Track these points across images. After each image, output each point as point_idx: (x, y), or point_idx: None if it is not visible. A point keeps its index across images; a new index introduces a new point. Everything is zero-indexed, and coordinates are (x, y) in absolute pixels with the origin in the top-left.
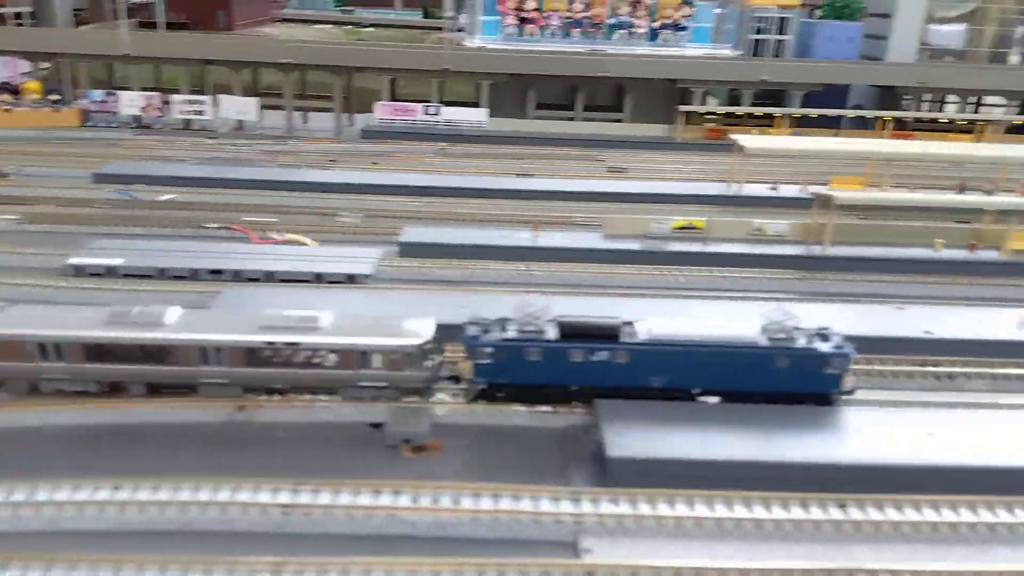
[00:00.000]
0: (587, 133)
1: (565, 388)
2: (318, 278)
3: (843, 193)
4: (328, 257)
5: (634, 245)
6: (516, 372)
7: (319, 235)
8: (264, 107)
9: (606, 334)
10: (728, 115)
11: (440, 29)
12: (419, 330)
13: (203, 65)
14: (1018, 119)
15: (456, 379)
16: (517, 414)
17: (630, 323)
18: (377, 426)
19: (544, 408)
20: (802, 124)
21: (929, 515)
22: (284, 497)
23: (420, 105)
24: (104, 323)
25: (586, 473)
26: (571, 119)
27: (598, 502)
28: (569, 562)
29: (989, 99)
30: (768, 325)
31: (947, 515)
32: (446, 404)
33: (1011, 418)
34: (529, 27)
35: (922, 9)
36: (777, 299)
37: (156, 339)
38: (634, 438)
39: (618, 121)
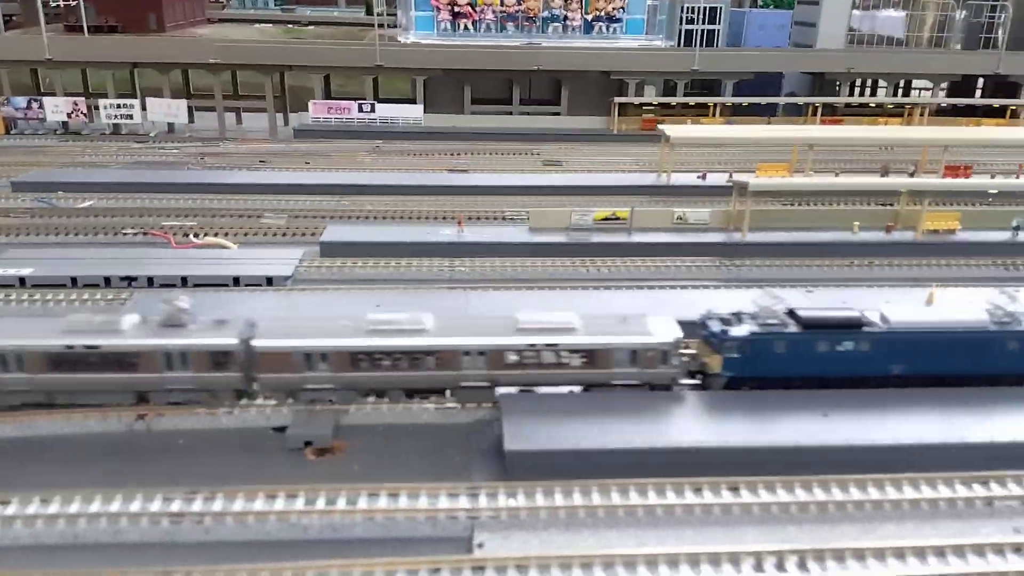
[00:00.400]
0: (525, 127)
1: (807, 379)
2: (236, 282)
3: (758, 180)
4: (247, 260)
5: (559, 238)
6: (763, 365)
7: (241, 238)
8: (196, 109)
9: (848, 324)
10: (664, 106)
11: (382, 26)
12: (665, 328)
13: (131, 68)
14: (945, 101)
15: (698, 373)
16: (424, 411)
17: (869, 313)
18: (280, 430)
19: (450, 404)
20: (737, 112)
21: (819, 495)
22: (176, 506)
23: (355, 103)
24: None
25: (488, 468)
26: (509, 113)
27: (495, 496)
28: (459, 558)
29: (918, 83)
30: (992, 310)
31: (836, 494)
32: (351, 404)
33: (898, 397)
34: (463, 22)
35: None
36: (696, 287)
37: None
38: (533, 431)
39: (556, 114)
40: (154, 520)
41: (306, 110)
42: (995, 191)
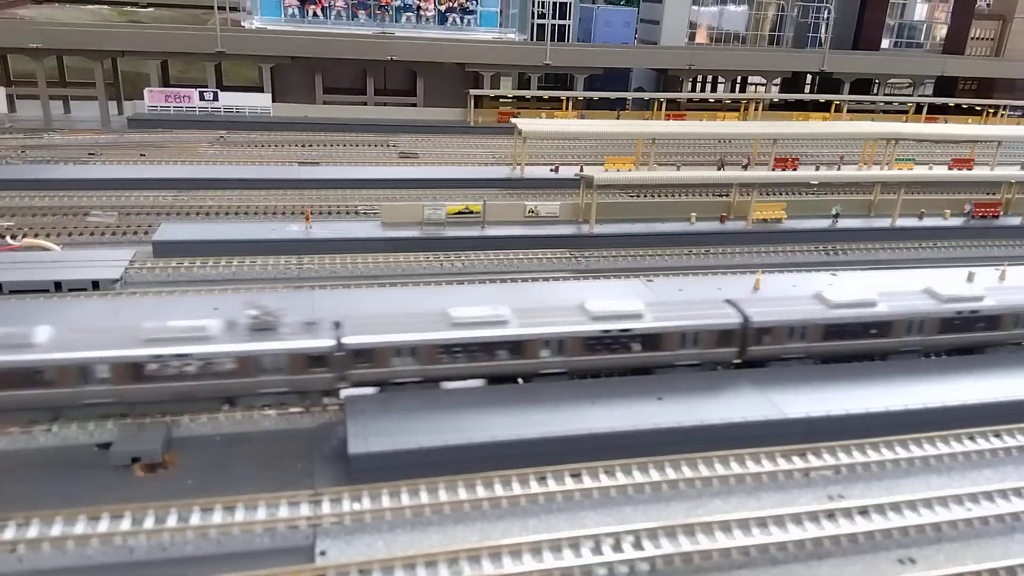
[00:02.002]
0: (381, 118)
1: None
2: (57, 287)
3: (603, 174)
4: (70, 262)
5: (412, 232)
6: None
7: (65, 239)
8: (18, 97)
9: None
10: (519, 99)
11: (224, 8)
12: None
13: None
14: (777, 96)
15: None
16: (265, 418)
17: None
18: (105, 446)
19: (295, 409)
20: (590, 106)
21: (654, 475)
22: None
23: (196, 91)
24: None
25: (333, 473)
26: (364, 104)
27: (338, 502)
28: (299, 568)
29: (754, 79)
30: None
31: (669, 473)
32: (184, 415)
33: (723, 378)
34: (312, 7)
35: None
36: (547, 279)
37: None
38: (378, 432)
39: (412, 105)
40: None
41: (142, 98)
42: (816, 182)
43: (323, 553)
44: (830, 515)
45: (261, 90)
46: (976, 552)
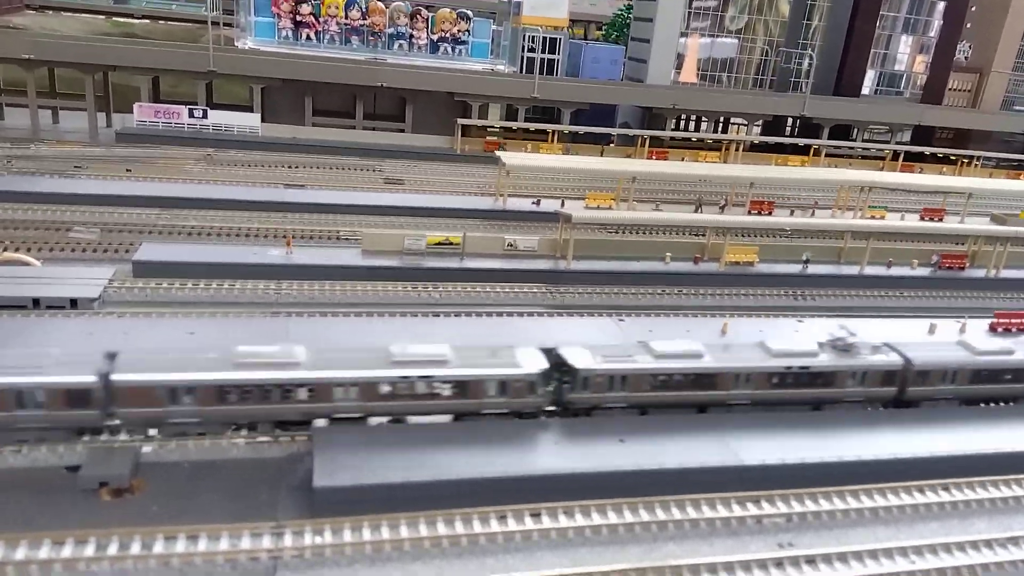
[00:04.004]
0: (369, 142)
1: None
2: (36, 303)
3: (580, 213)
4: (50, 279)
5: (392, 262)
6: None
7: (46, 254)
8: (6, 105)
9: None
10: (506, 129)
11: (217, 24)
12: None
13: None
14: (758, 138)
15: None
16: (234, 447)
17: None
18: (74, 469)
19: (263, 438)
20: (576, 140)
21: (611, 517)
22: None
23: (186, 107)
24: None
25: (297, 505)
26: (352, 127)
27: (301, 535)
28: None
29: (736, 120)
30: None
31: (626, 516)
32: (153, 440)
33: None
34: (305, 31)
35: (676, 35)
36: (529, 313)
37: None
38: (345, 466)
39: (400, 131)
40: None
41: (132, 112)
42: (789, 229)
43: None
44: (779, 563)
45: (251, 110)
46: None
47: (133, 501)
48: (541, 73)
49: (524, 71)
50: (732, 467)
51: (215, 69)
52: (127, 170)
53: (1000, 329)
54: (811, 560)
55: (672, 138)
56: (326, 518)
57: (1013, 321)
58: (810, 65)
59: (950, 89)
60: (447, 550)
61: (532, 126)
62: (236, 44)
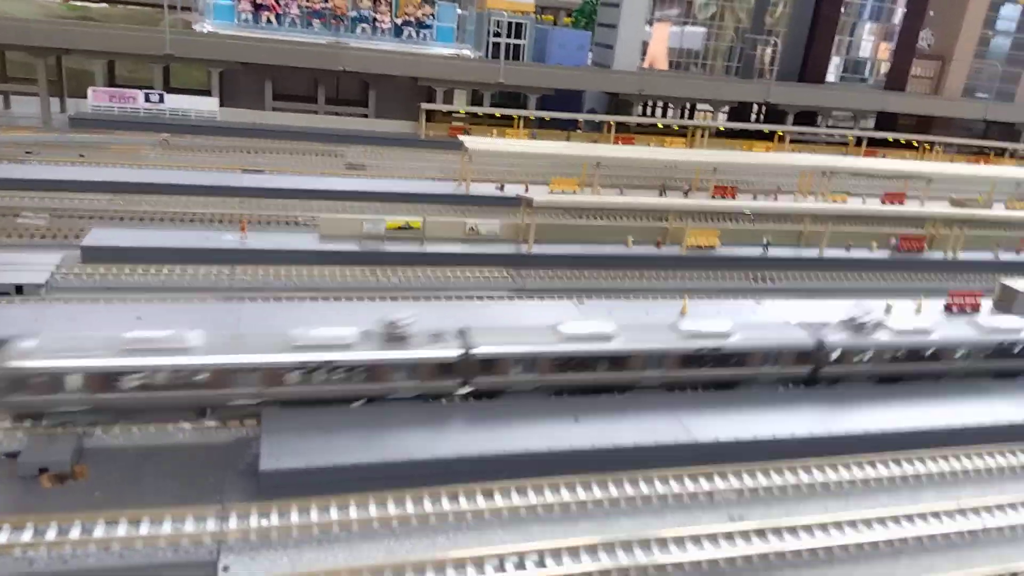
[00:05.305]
0: (331, 127)
1: None
2: None
3: (541, 197)
4: None
5: (350, 246)
6: None
7: None
8: None
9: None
10: (472, 115)
11: (174, 8)
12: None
13: None
14: (723, 125)
15: None
16: (180, 432)
17: None
18: (13, 456)
19: (210, 423)
20: (543, 126)
21: (564, 495)
22: None
23: (141, 92)
24: None
25: (244, 489)
26: (314, 112)
27: (245, 518)
28: None
29: (702, 106)
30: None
31: (579, 493)
32: (96, 426)
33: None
34: (266, 14)
35: (643, 22)
36: (490, 296)
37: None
38: (292, 449)
39: (364, 116)
40: None
41: (86, 96)
42: (750, 212)
43: (226, 569)
44: (729, 536)
45: (209, 94)
46: (864, 573)
47: (75, 487)
48: (507, 58)
49: (490, 56)
50: (686, 444)
51: (172, 53)
52: (80, 155)
53: (955, 308)
54: (761, 533)
55: (639, 124)
56: (272, 501)
57: (967, 300)
58: (774, 52)
59: (913, 76)
60: (396, 530)
61: (498, 111)
62: (194, 27)
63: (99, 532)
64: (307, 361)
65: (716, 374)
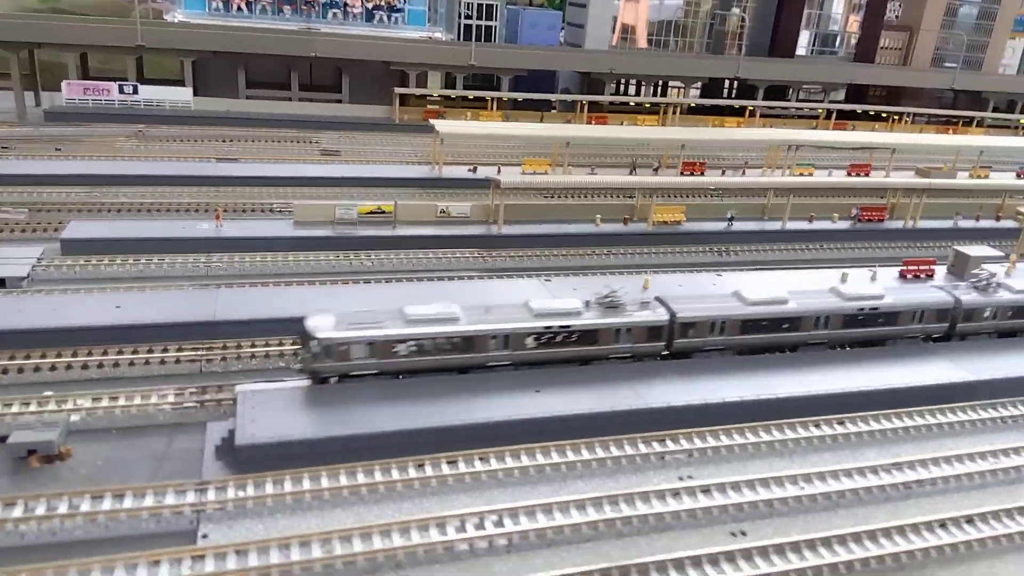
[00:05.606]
0: (305, 114)
1: None
2: None
3: (507, 177)
4: None
5: (324, 232)
6: None
7: None
8: None
9: None
10: (446, 98)
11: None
12: None
13: None
14: (694, 101)
15: None
16: (160, 412)
17: None
18: (3, 439)
19: (190, 404)
20: (517, 107)
21: (524, 460)
22: None
23: (116, 84)
24: None
25: (223, 464)
26: (288, 99)
27: (224, 490)
28: (178, 549)
29: (674, 84)
30: None
31: (538, 459)
32: (80, 409)
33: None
34: (237, 2)
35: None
36: (460, 277)
37: None
38: (266, 424)
39: (337, 102)
40: None
41: (61, 90)
42: (714, 187)
43: (205, 536)
44: (676, 494)
45: (183, 84)
46: (802, 525)
47: (62, 467)
48: (479, 40)
49: (461, 39)
50: (641, 409)
51: (144, 44)
52: (56, 149)
53: (909, 276)
54: (706, 490)
55: (611, 103)
56: (249, 474)
57: (921, 268)
58: (741, 26)
59: (882, 48)
60: (365, 497)
61: (471, 94)
62: (165, 17)
63: (85, 506)
64: (549, 327)
65: (868, 332)
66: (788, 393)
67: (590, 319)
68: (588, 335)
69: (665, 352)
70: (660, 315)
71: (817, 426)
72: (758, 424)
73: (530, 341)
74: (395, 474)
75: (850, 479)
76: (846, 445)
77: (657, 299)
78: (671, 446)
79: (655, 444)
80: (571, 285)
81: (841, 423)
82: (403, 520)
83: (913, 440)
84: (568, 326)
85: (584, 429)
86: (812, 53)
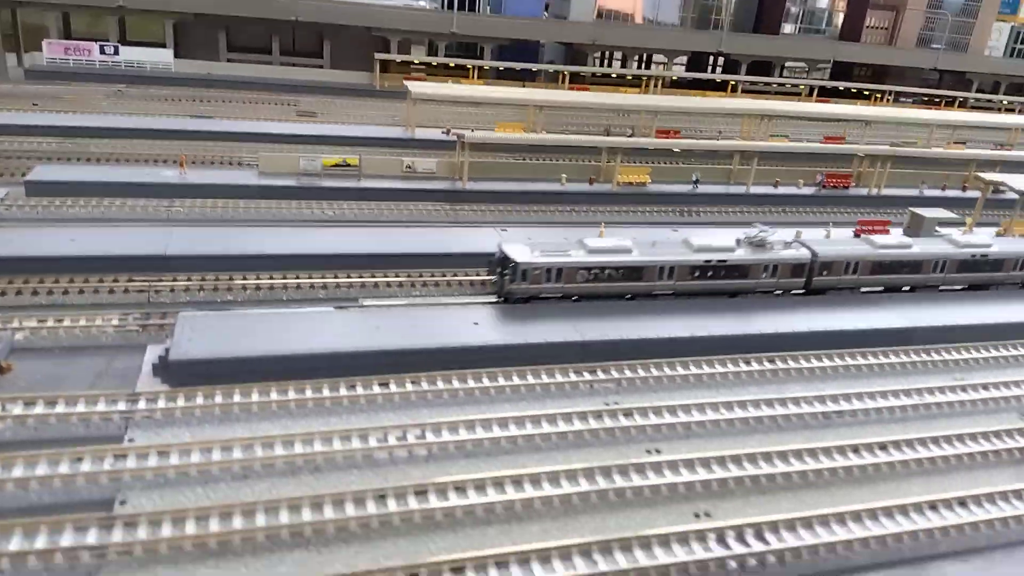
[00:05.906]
0: (286, 78)
1: None
2: None
3: (472, 134)
4: None
5: (288, 182)
6: None
7: None
8: None
9: None
10: (428, 64)
11: None
12: None
13: None
14: (676, 75)
15: None
16: (103, 334)
17: None
18: None
19: (133, 327)
20: (499, 76)
21: (456, 383)
22: None
23: (97, 44)
24: None
25: (159, 380)
26: (269, 64)
27: (154, 401)
28: (101, 447)
29: (659, 57)
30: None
31: (470, 383)
32: (24, 328)
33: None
34: None
35: None
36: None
37: None
38: (200, 344)
39: (319, 67)
40: None
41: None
42: (678, 148)
43: (131, 440)
44: (598, 415)
45: (164, 46)
46: (717, 444)
47: (2, 380)
48: (462, 9)
49: (445, 7)
50: (577, 342)
51: (124, 4)
52: (33, 104)
53: (861, 235)
54: (628, 412)
55: (593, 75)
56: (180, 388)
57: (875, 228)
58: (727, 1)
59: (867, 27)
60: (294, 411)
61: (452, 61)
62: None
63: (16, 410)
64: (708, 260)
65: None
66: (710, 332)
67: (743, 255)
68: (740, 269)
69: (802, 290)
70: (803, 254)
71: (747, 363)
72: (675, 360)
73: (690, 273)
74: (326, 392)
75: (771, 408)
76: (763, 381)
77: (799, 241)
78: (600, 375)
79: (586, 374)
80: (526, 235)
81: (759, 361)
82: (325, 430)
83: (843, 378)
84: (724, 260)
85: (528, 358)
86: (798, 31)
